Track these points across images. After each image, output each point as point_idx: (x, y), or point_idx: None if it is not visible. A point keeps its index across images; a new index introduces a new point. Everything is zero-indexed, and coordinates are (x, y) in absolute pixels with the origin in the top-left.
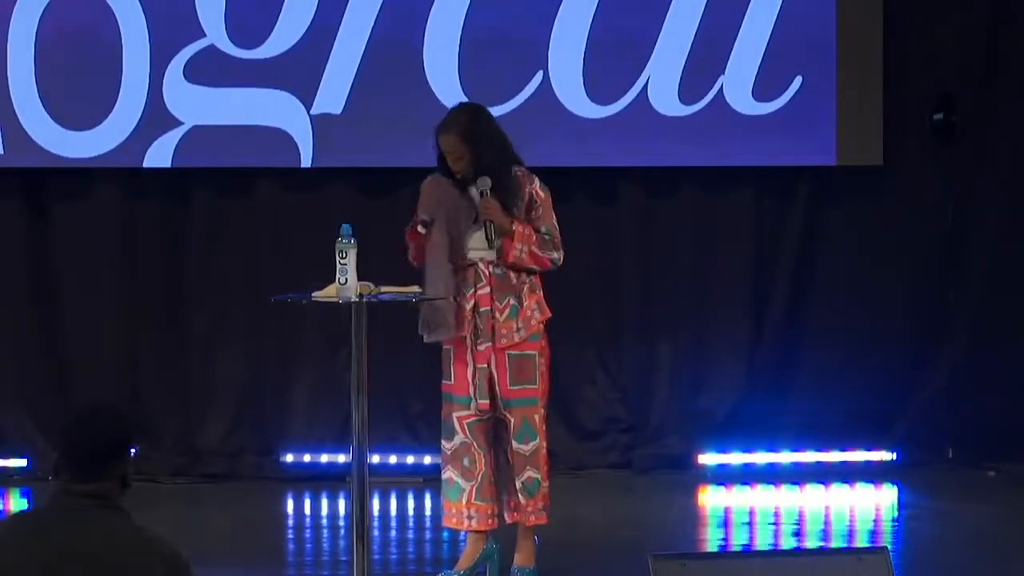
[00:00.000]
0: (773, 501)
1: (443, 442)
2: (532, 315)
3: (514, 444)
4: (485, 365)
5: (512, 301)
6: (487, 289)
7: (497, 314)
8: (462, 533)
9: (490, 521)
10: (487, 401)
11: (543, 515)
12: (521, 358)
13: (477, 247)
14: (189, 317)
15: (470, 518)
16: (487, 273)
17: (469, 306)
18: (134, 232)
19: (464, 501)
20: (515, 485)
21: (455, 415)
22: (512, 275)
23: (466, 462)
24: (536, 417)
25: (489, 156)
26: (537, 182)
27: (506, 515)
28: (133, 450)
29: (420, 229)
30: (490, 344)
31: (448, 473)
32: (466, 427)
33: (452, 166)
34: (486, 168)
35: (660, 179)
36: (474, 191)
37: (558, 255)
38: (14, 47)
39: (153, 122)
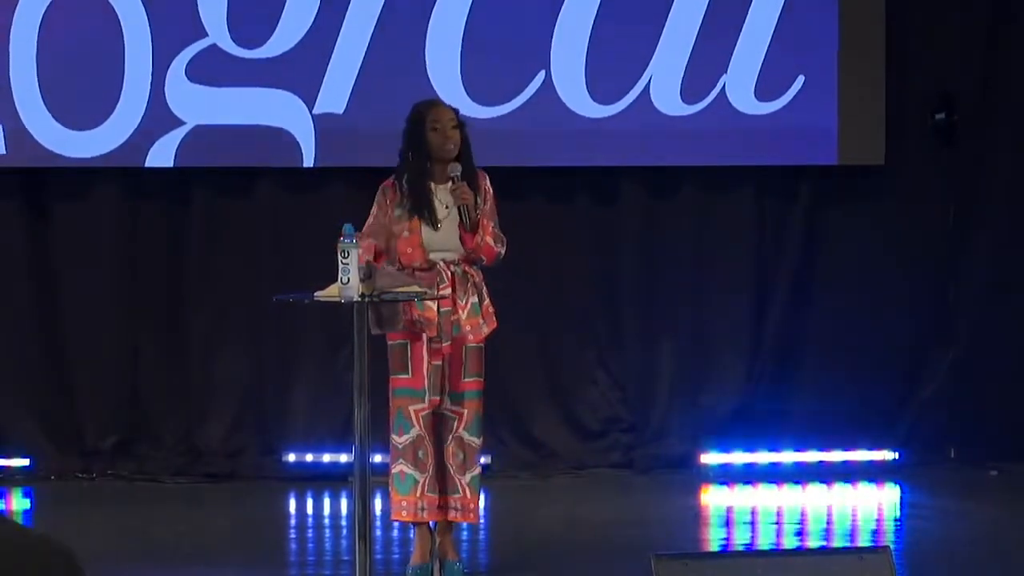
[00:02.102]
0: (775, 501)
1: (394, 436)
2: (491, 311)
3: (466, 437)
4: (440, 362)
5: (473, 298)
6: (448, 289)
7: (460, 311)
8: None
9: (436, 512)
10: (438, 397)
11: (479, 513)
12: (475, 350)
13: (438, 247)
14: (191, 317)
15: (422, 510)
16: (448, 273)
17: (434, 306)
18: (136, 232)
19: (418, 493)
20: (460, 481)
21: (412, 408)
22: (470, 272)
23: (420, 454)
24: (482, 411)
25: (468, 148)
26: (487, 179)
27: (453, 514)
28: None
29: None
30: (449, 343)
31: (400, 467)
32: (421, 420)
33: (448, 136)
34: (462, 159)
35: (662, 178)
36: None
37: (503, 250)
38: (16, 46)
39: (155, 122)
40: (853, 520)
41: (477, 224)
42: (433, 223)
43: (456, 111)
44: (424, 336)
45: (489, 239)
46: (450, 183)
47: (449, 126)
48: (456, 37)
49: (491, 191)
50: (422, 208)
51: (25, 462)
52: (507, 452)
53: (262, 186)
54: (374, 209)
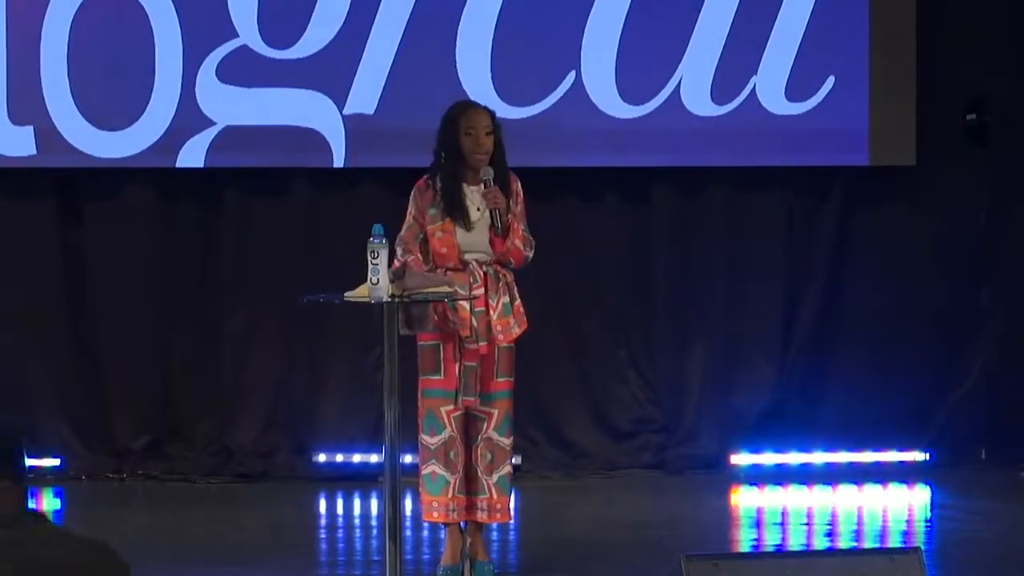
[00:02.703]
0: (806, 501)
1: (425, 437)
2: (522, 311)
3: (495, 437)
4: (475, 363)
5: (504, 299)
6: (482, 289)
7: (491, 312)
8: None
9: (465, 513)
10: (474, 398)
11: (510, 513)
12: (507, 351)
13: (471, 248)
14: (222, 317)
15: (453, 511)
16: (481, 273)
17: (467, 306)
18: (167, 232)
19: (449, 494)
20: (487, 482)
21: (443, 409)
22: (502, 272)
23: (452, 455)
24: (513, 411)
25: (503, 148)
26: (518, 182)
27: (481, 515)
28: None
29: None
30: (484, 343)
31: (431, 467)
32: (453, 421)
33: (481, 143)
34: (498, 161)
35: (692, 179)
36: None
37: (531, 253)
38: (47, 47)
39: (186, 122)
40: (884, 521)
41: (508, 228)
42: (466, 224)
43: (492, 114)
44: (456, 337)
45: (518, 242)
46: (482, 186)
47: (483, 132)
48: (487, 38)
49: (522, 194)
50: (455, 209)
51: (56, 462)
52: (538, 452)
53: (292, 187)
54: (411, 209)
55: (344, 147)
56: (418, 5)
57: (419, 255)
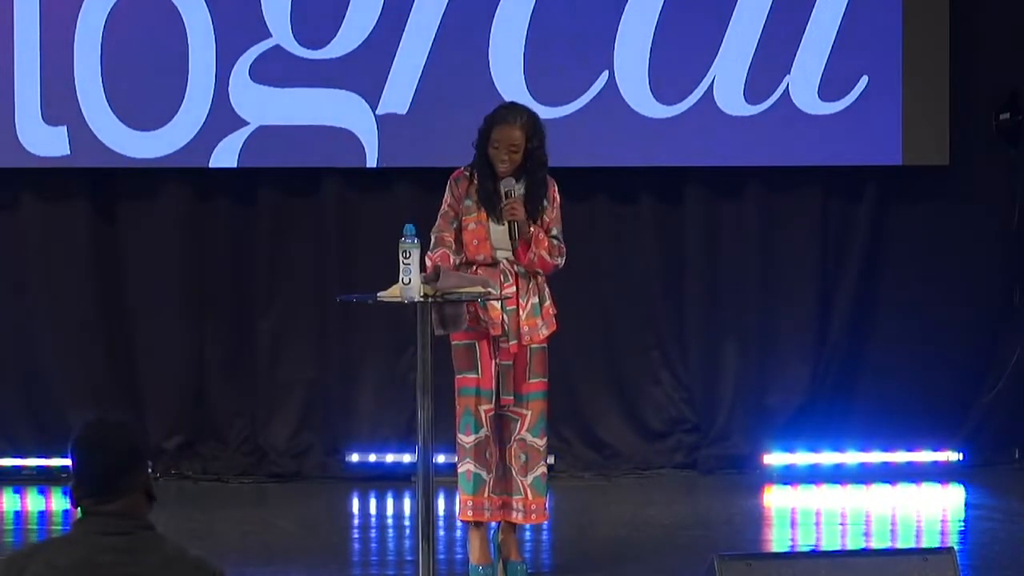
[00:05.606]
0: (839, 501)
1: (461, 436)
2: (551, 313)
3: (528, 438)
4: (509, 362)
5: (534, 299)
6: (513, 288)
7: (520, 311)
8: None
9: (499, 513)
10: (511, 397)
11: (546, 513)
12: (540, 351)
13: (503, 245)
14: (255, 317)
15: (487, 510)
16: (512, 271)
17: (498, 305)
18: (200, 232)
19: (485, 493)
20: (522, 483)
21: (482, 408)
22: (531, 273)
23: (487, 455)
24: (546, 411)
25: (538, 159)
26: (555, 186)
27: (517, 516)
28: (148, 460)
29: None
30: (515, 341)
31: (467, 466)
32: (490, 420)
33: (505, 159)
34: (531, 170)
35: (725, 179)
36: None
37: (561, 260)
38: (80, 47)
39: (219, 122)
40: (917, 521)
41: (530, 240)
42: (499, 219)
43: (531, 123)
44: (490, 336)
45: (544, 252)
46: (504, 196)
47: (505, 150)
48: (520, 37)
49: (558, 199)
50: (490, 202)
51: None
52: (571, 452)
53: (325, 187)
54: (446, 197)
55: (377, 147)
56: (451, 5)
57: (452, 244)
